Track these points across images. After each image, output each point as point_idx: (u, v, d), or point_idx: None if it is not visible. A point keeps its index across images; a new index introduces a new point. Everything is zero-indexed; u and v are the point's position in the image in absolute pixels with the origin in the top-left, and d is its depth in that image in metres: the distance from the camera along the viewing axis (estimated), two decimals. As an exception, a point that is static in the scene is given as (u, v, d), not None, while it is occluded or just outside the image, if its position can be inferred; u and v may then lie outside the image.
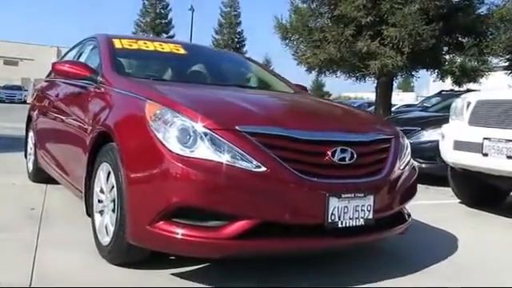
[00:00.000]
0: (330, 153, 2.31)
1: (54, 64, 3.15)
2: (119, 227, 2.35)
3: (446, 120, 5.17)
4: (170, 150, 2.17)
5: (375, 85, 11.29)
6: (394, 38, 8.94)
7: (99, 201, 2.72)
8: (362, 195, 2.33)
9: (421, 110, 10.08)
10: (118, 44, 3.47)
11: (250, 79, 3.69)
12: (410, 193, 2.71)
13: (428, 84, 32.26)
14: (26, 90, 35.42)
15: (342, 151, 2.34)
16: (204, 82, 3.51)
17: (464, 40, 10.06)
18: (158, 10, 44.95)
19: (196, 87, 3.11)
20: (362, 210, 2.33)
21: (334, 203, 2.24)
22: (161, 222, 2.16)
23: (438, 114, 8.35)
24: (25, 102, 31.28)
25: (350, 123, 2.69)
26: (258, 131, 2.23)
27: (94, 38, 3.75)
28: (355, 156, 2.37)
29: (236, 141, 2.17)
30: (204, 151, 2.15)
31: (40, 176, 4.66)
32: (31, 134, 4.89)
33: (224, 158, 2.13)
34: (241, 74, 3.95)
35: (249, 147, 2.16)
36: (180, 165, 2.13)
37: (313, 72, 11.06)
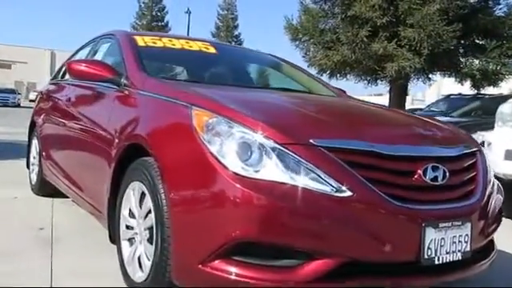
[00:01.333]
0: (420, 171, 1.88)
1: (69, 63, 2.71)
2: (159, 263, 1.91)
3: (477, 126, 4.79)
4: (227, 169, 1.73)
5: (388, 88, 10.89)
6: (412, 40, 8.55)
7: (128, 227, 2.28)
8: (460, 223, 1.90)
9: (443, 115, 9.68)
10: (140, 41, 3.03)
11: (291, 82, 3.26)
12: (499, 217, 2.29)
13: (424, 88, 31.93)
14: (19, 94, 34.75)
15: (434, 169, 1.91)
16: (244, 84, 3.08)
17: (482, 42, 9.68)
18: (154, 13, 44.55)
19: (241, 91, 2.68)
20: (459, 242, 1.90)
21: (431, 235, 1.81)
22: (217, 261, 1.72)
23: (464, 119, 7.98)
24: (18, 106, 30.65)
25: (435, 134, 2.26)
26: (336, 145, 1.80)
27: (111, 35, 3.32)
28: (447, 174, 1.94)
29: (312, 158, 1.74)
30: (272, 171, 1.71)
31: (45, 189, 4.22)
32: (35, 141, 4.43)
33: (299, 180, 1.69)
34: (280, 75, 3.51)
35: (329, 166, 1.73)
36: (242, 188, 1.69)
37: (324, 74, 10.63)
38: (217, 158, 1.77)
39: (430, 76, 10.32)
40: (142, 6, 44.57)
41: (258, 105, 2.22)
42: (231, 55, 3.49)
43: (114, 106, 2.60)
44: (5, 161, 6.37)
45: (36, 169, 4.36)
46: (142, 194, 2.14)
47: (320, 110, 2.28)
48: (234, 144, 1.77)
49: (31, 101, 43.05)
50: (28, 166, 4.76)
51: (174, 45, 3.17)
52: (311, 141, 1.78)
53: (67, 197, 3.75)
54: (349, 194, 1.70)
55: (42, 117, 4.17)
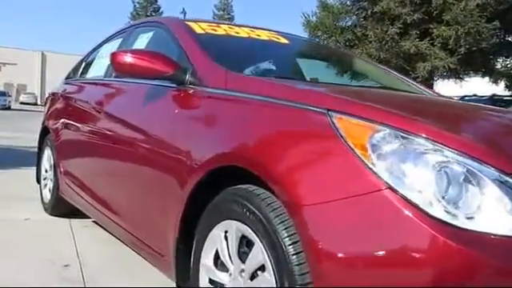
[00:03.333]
0: None
1: (115, 55, 2.04)
2: None
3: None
4: (420, 212, 1.09)
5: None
6: (448, 38, 7.96)
7: (212, 281, 1.62)
8: None
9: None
10: (198, 29, 2.38)
11: (382, 80, 2.62)
12: None
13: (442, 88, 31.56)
14: (9, 96, 33.80)
15: None
16: (346, 82, 2.43)
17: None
18: (149, 13, 44.10)
19: (365, 91, 2.03)
20: None
21: None
22: None
23: None
24: (9, 108, 29.74)
25: None
26: None
27: (155, 22, 2.68)
28: None
29: None
30: (498, 218, 1.07)
31: (61, 208, 3.58)
32: (48, 152, 3.76)
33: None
34: (368, 70, 2.85)
35: None
36: (451, 245, 1.05)
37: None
38: (398, 195, 1.12)
39: (462, 76, 9.73)
40: (137, 6, 44.17)
41: (425, 112, 1.57)
42: (305, 46, 2.85)
43: (177, 111, 1.94)
44: (6, 170, 5.66)
45: (50, 184, 3.69)
46: (243, 240, 1.48)
47: (479, 121, 1.64)
48: (429, 172, 1.13)
49: (22, 103, 42.26)
50: (38, 180, 4.08)
51: (237, 33, 2.53)
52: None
53: (84, 215, 3.15)
54: None
55: (58, 123, 3.49)
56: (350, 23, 9.53)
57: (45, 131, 3.90)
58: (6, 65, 50.67)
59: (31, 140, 9.77)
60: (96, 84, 2.99)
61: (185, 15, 34.29)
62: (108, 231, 2.86)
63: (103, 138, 2.59)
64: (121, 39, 3.11)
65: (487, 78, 9.72)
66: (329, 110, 1.35)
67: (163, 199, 1.90)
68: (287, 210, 1.31)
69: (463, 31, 7.90)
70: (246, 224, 1.45)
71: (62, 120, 3.41)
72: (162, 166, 1.93)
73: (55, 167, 3.52)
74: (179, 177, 1.77)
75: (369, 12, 9.01)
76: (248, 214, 1.43)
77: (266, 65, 2.48)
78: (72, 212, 3.48)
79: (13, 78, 50.20)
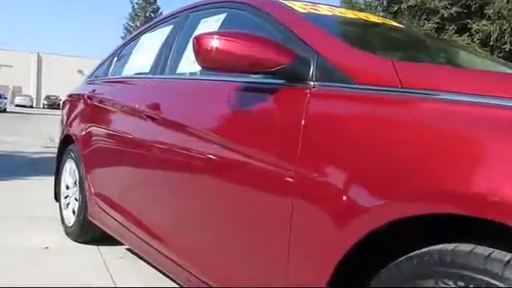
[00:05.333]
0: None
1: (200, 39, 1.43)
2: None
3: None
4: None
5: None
6: (490, 33, 7.37)
7: None
8: None
9: None
10: (299, 8, 1.77)
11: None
12: None
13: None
14: (5, 98, 33.05)
15: None
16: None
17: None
18: (147, 14, 43.64)
19: None
20: None
21: None
22: None
23: None
24: (5, 111, 29.01)
25: None
26: None
27: (227, 1, 2.05)
28: None
29: None
30: None
31: (89, 233, 3.01)
32: (71, 165, 3.16)
33: None
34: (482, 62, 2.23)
35: None
36: None
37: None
38: None
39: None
40: (136, 6, 43.62)
41: None
42: (419, 32, 2.25)
43: (306, 122, 1.29)
44: (8, 181, 5.03)
45: (74, 204, 3.09)
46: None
47: None
48: None
49: (17, 105, 41.43)
50: (56, 198, 3.47)
51: (343, 13, 1.93)
52: None
53: (114, 241, 2.65)
54: None
55: (88, 130, 2.88)
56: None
57: (66, 140, 3.28)
58: (1, 67, 49.97)
59: (30, 144, 9.28)
60: (145, 83, 2.38)
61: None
62: (152, 265, 2.29)
63: (163, 152, 1.99)
64: (170, 27, 2.49)
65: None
66: None
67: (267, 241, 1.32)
68: None
69: (509, 26, 7.33)
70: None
71: (94, 127, 2.80)
72: (276, 195, 1.33)
73: (82, 184, 2.91)
74: (326, 217, 1.16)
75: (403, 6, 8.40)
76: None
77: (413, 53, 1.85)
78: (103, 237, 2.90)
79: (8, 80, 49.43)
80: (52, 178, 3.57)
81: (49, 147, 8.95)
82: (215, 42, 1.42)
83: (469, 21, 7.81)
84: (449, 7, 7.74)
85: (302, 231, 1.24)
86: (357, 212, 1.08)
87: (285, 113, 1.40)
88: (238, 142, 1.52)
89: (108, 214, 2.60)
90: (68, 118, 3.34)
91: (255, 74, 1.50)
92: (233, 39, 1.41)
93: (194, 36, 1.48)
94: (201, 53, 1.45)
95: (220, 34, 1.45)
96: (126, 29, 42.97)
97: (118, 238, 2.59)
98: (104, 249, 2.95)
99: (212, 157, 1.65)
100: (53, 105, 46.18)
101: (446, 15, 7.85)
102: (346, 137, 1.18)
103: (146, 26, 2.96)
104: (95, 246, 2.99)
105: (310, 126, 1.27)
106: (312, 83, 1.35)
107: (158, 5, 43.97)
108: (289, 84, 1.41)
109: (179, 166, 1.86)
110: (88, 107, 3.00)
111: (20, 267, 2.54)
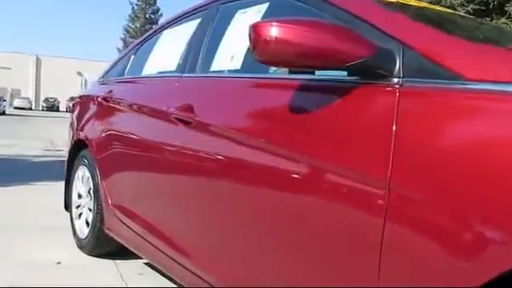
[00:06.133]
0: None
1: (259, 27, 1.20)
2: None
3: None
4: None
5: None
6: None
7: None
8: None
9: None
10: None
11: None
12: None
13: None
14: (4, 101, 32.79)
15: None
16: None
17: None
18: (147, 15, 43.40)
19: None
20: None
21: None
22: None
23: None
24: (3, 114, 28.74)
25: None
26: None
27: None
28: None
29: None
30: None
31: (104, 247, 2.76)
32: (83, 172, 2.92)
33: None
34: None
35: None
36: None
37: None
38: None
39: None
40: (135, 8, 43.36)
41: None
42: (482, 22, 2.01)
43: (397, 127, 1.05)
44: (10, 187, 4.77)
45: (87, 215, 2.85)
46: None
47: None
48: None
49: (16, 108, 41.13)
50: (67, 207, 3.23)
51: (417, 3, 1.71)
52: None
53: (131, 254, 2.46)
54: None
55: (104, 134, 2.64)
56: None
57: (78, 145, 3.04)
58: (0, 69, 49.68)
59: (30, 147, 9.06)
60: (172, 82, 2.13)
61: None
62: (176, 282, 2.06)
63: (199, 160, 1.75)
64: (197, 21, 2.25)
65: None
66: None
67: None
68: None
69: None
70: None
71: (111, 131, 2.55)
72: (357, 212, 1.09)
73: (97, 193, 2.68)
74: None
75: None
76: None
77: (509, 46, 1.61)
78: (117, 251, 2.68)
79: (7, 83, 49.18)
80: (58, 183, 3.34)
81: (49, 150, 8.80)
82: (278, 31, 1.18)
83: (487, 19, 7.59)
84: (465, 4, 7.53)
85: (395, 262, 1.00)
86: (483, 249, 0.84)
87: (368, 116, 1.16)
88: (306, 153, 1.28)
89: (128, 226, 2.37)
90: (80, 122, 3.10)
91: (325, 69, 1.27)
92: (302, 27, 1.17)
93: (251, 24, 1.24)
94: (260, 44, 1.21)
95: (283, 21, 1.21)
96: (126, 30, 42.74)
97: (140, 254, 2.36)
98: (120, 263, 2.72)
99: (262, 167, 1.41)
100: (52, 107, 46.00)
101: (462, 12, 7.63)
102: (463, 148, 0.94)
103: (167, 20, 2.72)
104: (111, 261, 2.76)
105: (407, 132, 1.04)
106: (398, 79, 1.12)
107: (157, 6, 43.78)
108: (368, 81, 1.18)
109: (221, 177, 1.62)
110: (104, 109, 2.75)
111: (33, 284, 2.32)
